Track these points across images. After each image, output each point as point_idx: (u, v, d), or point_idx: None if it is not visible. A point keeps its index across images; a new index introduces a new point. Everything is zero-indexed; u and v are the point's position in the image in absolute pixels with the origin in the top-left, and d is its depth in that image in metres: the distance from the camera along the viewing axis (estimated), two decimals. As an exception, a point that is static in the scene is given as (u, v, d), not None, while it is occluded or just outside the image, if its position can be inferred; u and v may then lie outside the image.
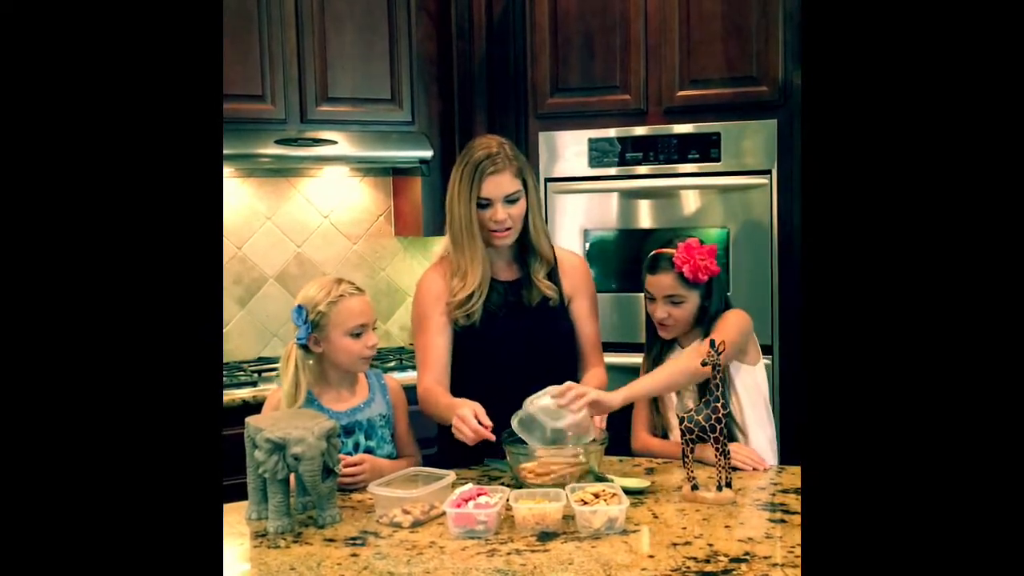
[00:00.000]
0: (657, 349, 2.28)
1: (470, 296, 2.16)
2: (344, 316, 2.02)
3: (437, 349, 2.20)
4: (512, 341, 2.18)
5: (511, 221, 2.15)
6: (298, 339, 2.03)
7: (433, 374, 2.18)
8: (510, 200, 2.14)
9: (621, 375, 2.94)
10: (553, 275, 2.25)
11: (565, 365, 2.25)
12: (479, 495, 1.72)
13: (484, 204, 2.14)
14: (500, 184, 2.12)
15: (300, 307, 2.03)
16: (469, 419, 1.91)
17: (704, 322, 2.19)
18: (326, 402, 2.06)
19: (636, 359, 2.92)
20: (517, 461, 1.93)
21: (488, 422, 1.92)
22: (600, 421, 2.02)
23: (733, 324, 2.15)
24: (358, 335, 2.04)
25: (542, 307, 2.21)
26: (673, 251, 2.17)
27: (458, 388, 2.16)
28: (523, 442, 1.95)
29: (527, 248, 2.23)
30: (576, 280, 2.30)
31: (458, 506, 1.69)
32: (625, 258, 3.19)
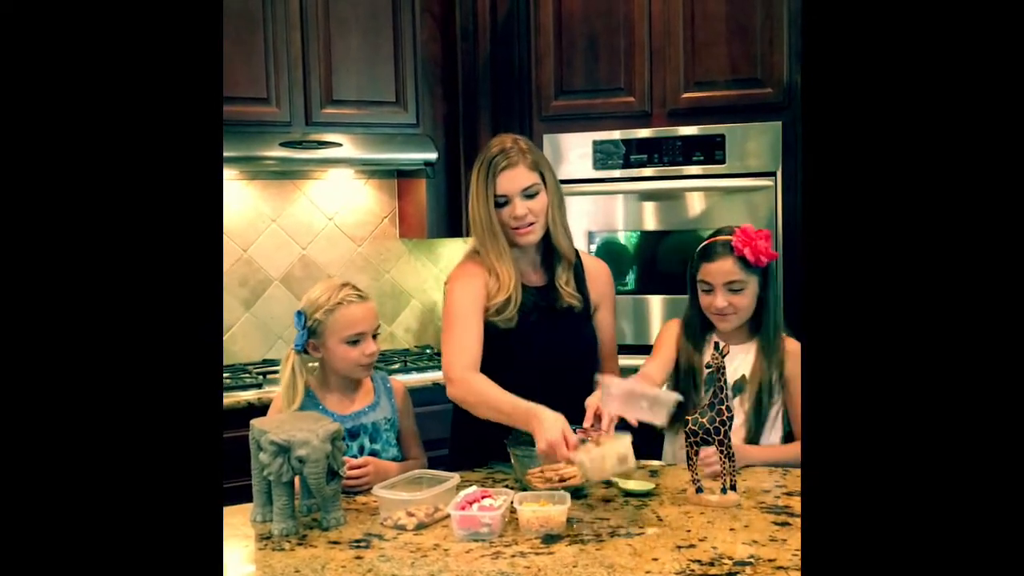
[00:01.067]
0: (697, 338, 2.19)
1: (507, 300, 2.10)
2: (341, 324, 2.01)
3: (471, 341, 2.09)
4: (545, 346, 2.13)
5: (533, 216, 2.10)
6: (294, 345, 2.03)
7: (469, 358, 2.07)
8: (528, 194, 2.09)
9: (629, 375, 2.93)
10: (578, 280, 2.22)
11: (589, 373, 2.21)
12: (483, 497, 1.72)
13: (502, 202, 2.09)
14: (514, 178, 2.08)
15: (300, 312, 2.03)
16: (562, 448, 1.83)
17: (759, 319, 2.16)
18: (330, 405, 2.06)
19: (643, 361, 2.92)
20: (523, 466, 1.92)
21: (572, 443, 1.84)
22: (608, 426, 2.00)
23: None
24: (355, 343, 2.03)
25: (569, 313, 2.18)
26: (728, 237, 2.12)
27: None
28: (528, 444, 1.95)
29: (551, 251, 2.19)
30: (603, 289, 2.27)
31: (462, 508, 1.69)
32: (630, 260, 3.19)
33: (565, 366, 2.16)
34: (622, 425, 1.92)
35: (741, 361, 2.16)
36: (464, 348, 2.08)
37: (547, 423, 1.85)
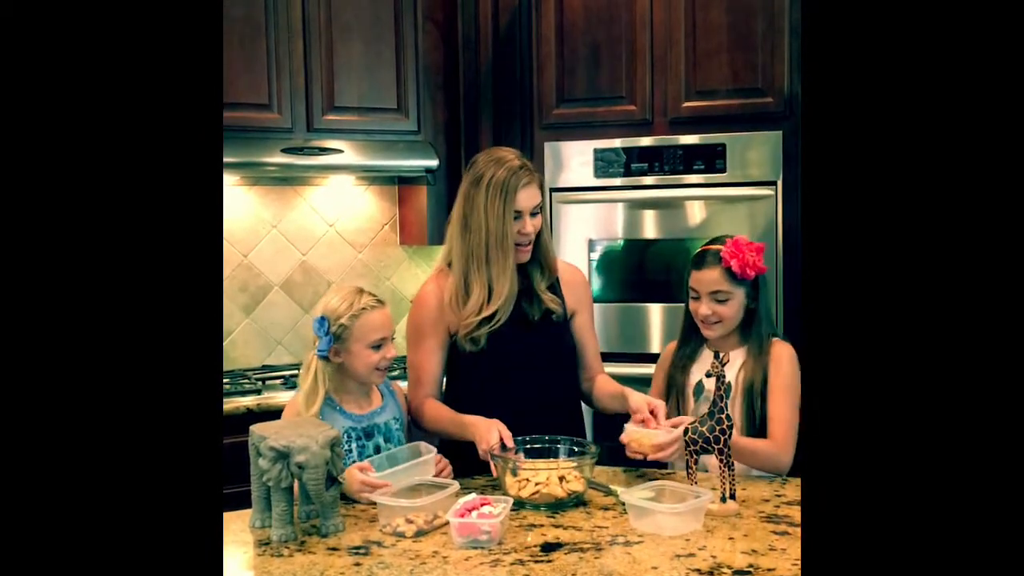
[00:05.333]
0: (689, 349, 2.23)
1: (495, 314, 2.13)
2: (366, 330, 2.03)
3: (434, 366, 2.22)
4: (520, 357, 2.16)
5: (535, 233, 2.15)
6: (319, 351, 2.03)
7: (428, 389, 2.22)
8: (534, 212, 2.14)
9: (632, 385, 2.93)
10: (555, 288, 2.24)
11: (569, 379, 2.25)
12: (483, 505, 1.72)
13: (515, 218, 2.13)
14: (531, 196, 2.13)
15: (323, 318, 2.03)
16: (496, 447, 1.95)
17: (749, 328, 2.16)
18: (346, 407, 2.08)
19: (641, 369, 2.94)
20: (504, 474, 1.92)
21: (510, 442, 1.96)
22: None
23: (792, 371, 2.12)
24: (377, 347, 2.05)
25: (546, 321, 2.20)
26: (720, 247, 2.14)
27: (467, 405, 2.15)
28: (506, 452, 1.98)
29: (533, 260, 2.21)
30: (580, 294, 2.29)
31: (462, 516, 1.69)
32: (630, 268, 3.19)
33: (546, 375, 2.19)
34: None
35: (728, 372, 2.14)
36: (427, 376, 2.22)
37: (481, 431, 1.98)
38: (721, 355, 1.90)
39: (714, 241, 2.19)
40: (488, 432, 1.97)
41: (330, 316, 2.03)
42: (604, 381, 2.26)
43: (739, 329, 2.18)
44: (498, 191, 2.10)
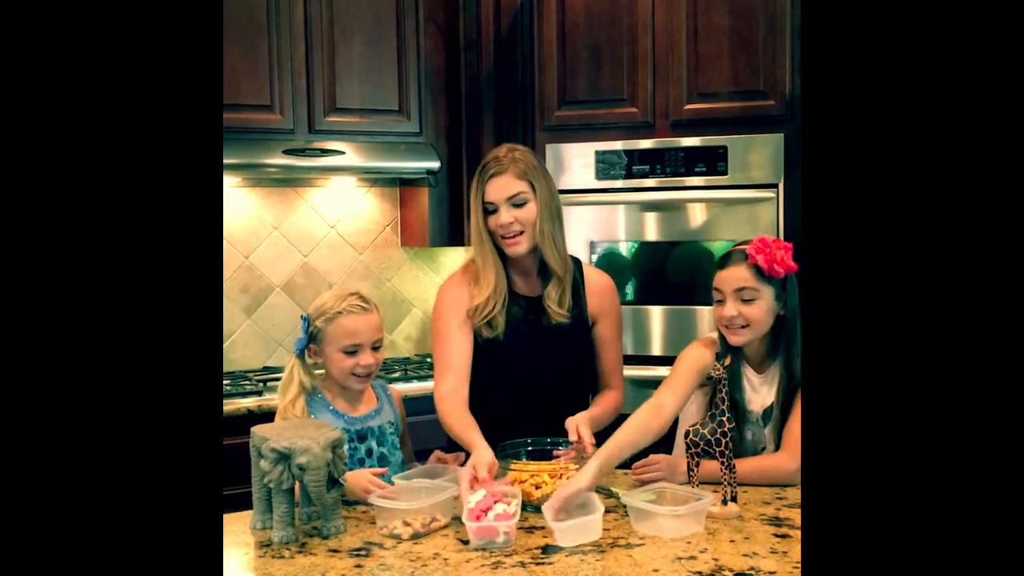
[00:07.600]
0: (731, 367, 2.03)
1: (486, 302, 2.12)
2: (339, 334, 2.01)
3: (454, 354, 2.14)
4: (533, 358, 2.14)
5: (519, 225, 2.10)
6: (295, 349, 2.04)
7: (451, 380, 2.11)
8: (516, 203, 2.09)
9: (634, 388, 2.93)
10: (577, 292, 2.20)
11: (582, 386, 2.23)
12: (496, 502, 1.70)
13: (491, 209, 2.11)
14: (502, 186, 2.09)
15: (305, 317, 2.04)
16: (463, 484, 1.81)
17: (777, 334, 2.05)
18: (339, 408, 2.07)
19: (643, 371, 2.95)
20: (504, 475, 1.91)
21: (482, 473, 1.82)
22: (588, 447, 1.96)
23: None
24: (351, 353, 2.03)
25: (560, 327, 2.17)
26: (744, 247, 2.05)
27: (477, 403, 2.13)
28: (514, 456, 1.97)
29: (545, 264, 2.18)
30: (603, 302, 2.24)
31: (478, 518, 1.67)
32: (631, 271, 3.19)
33: (552, 380, 2.16)
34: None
35: (768, 391, 2.08)
36: (448, 366, 2.12)
37: (472, 458, 1.86)
38: (724, 359, 1.89)
39: (741, 244, 2.09)
40: (469, 464, 1.84)
41: (313, 315, 2.03)
42: (602, 400, 2.21)
43: (769, 339, 2.07)
44: (475, 183, 2.14)
